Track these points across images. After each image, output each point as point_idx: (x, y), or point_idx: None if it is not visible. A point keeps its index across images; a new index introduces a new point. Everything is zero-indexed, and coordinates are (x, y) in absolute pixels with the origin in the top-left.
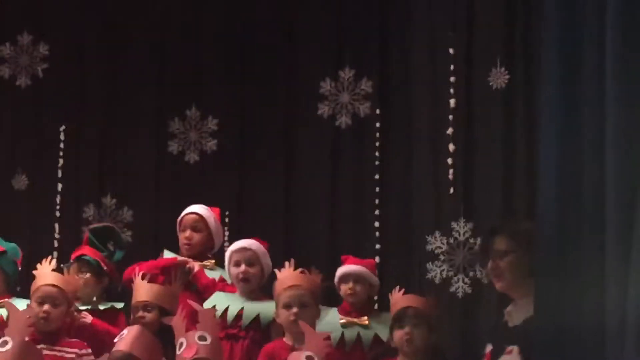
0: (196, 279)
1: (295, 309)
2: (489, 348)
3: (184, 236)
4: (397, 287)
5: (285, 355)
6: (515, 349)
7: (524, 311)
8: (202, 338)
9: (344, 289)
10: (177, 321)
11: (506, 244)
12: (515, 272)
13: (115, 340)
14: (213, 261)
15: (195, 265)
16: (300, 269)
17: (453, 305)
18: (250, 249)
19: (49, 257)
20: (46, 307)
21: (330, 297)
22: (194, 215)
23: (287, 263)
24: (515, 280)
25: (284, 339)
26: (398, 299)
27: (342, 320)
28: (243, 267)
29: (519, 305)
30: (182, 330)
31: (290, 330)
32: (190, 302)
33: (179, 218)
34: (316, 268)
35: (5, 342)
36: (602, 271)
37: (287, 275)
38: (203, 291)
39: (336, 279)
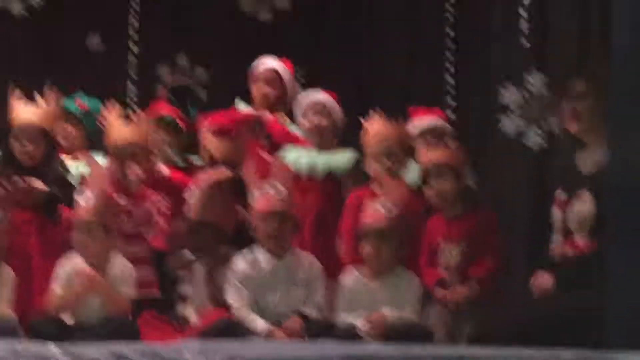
0: (271, 129)
1: (385, 159)
2: (559, 193)
3: (258, 90)
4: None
5: None
6: (586, 193)
7: (597, 157)
8: (275, 190)
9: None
10: (249, 173)
11: (585, 86)
12: (592, 116)
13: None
14: (286, 118)
15: (269, 116)
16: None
17: (527, 158)
18: (318, 100)
19: (115, 107)
20: (126, 164)
21: None
22: (269, 70)
23: (374, 112)
24: (591, 124)
25: (372, 187)
26: (422, 153)
27: None
28: (313, 118)
29: (592, 151)
30: (255, 182)
31: (380, 180)
32: (262, 153)
33: (253, 71)
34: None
35: (87, 196)
36: None
37: (376, 125)
38: (278, 140)
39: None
